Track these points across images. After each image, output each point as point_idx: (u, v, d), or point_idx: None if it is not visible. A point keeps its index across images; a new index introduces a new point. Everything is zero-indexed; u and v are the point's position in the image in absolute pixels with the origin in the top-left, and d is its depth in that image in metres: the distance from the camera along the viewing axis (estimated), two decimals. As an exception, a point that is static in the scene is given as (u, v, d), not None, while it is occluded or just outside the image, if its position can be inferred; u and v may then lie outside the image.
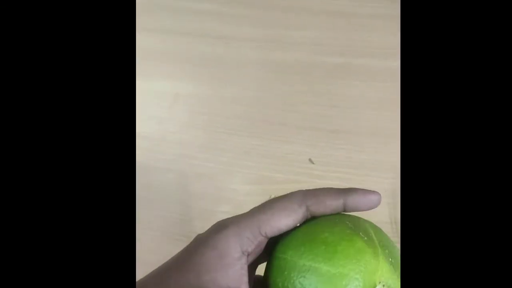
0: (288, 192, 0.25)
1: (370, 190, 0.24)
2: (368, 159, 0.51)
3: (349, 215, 0.25)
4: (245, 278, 0.23)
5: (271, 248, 0.25)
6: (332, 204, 0.24)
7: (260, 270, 0.27)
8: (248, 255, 0.24)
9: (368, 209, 0.24)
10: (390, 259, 0.23)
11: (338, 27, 0.60)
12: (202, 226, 0.48)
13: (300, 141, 0.52)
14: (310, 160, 0.51)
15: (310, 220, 0.25)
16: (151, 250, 0.46)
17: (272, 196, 0.49)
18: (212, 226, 0.25)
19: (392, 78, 0.56)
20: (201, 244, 0.24)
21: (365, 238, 0.23)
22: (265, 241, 0.24)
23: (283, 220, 0.23)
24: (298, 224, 0.24)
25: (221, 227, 0.24)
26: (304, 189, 0.25)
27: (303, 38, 0.59)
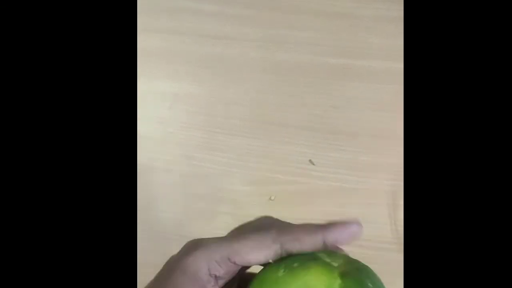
0: (265, 222, 0.25)
1: (350, 222, 0.24)
2: (368, 160, 0.51)
3: (327, 253, 0.24)
4: None
5: (247, 281, 0.25)
6: (309, 242, 0.23)
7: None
8: (216, 278, 0.24)
9: (350, 242, 0.24)
10: None
11: (340, 29, 0.60)
12: (202, 226, 0.48)
13: (300, 142, 0.52)
14: (310, 161, 0.51)
15: (287, 259, 0.23)
16: (151, 251, 0.45)
17: (273, 198, 0.49)
18: (184, 246, 0.26)
19: (393, 79, 0.56)
20: (171, 269, 0.24)
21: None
22: (235, 268, 0.24)
23: (254, 254, 0.23)
24: (270, 261, 0.24)
25: (191, 249, 0.24)
26: (283, 219, 0.26)
27: (304, 39, 0.59)
